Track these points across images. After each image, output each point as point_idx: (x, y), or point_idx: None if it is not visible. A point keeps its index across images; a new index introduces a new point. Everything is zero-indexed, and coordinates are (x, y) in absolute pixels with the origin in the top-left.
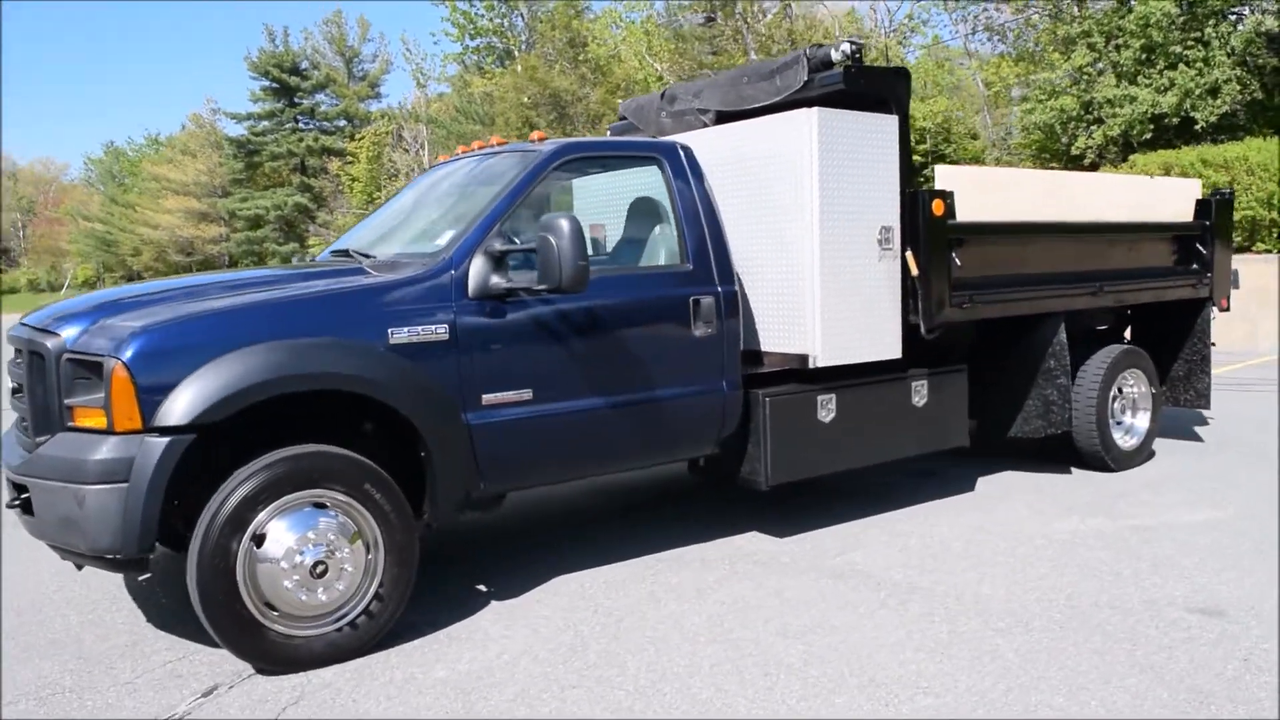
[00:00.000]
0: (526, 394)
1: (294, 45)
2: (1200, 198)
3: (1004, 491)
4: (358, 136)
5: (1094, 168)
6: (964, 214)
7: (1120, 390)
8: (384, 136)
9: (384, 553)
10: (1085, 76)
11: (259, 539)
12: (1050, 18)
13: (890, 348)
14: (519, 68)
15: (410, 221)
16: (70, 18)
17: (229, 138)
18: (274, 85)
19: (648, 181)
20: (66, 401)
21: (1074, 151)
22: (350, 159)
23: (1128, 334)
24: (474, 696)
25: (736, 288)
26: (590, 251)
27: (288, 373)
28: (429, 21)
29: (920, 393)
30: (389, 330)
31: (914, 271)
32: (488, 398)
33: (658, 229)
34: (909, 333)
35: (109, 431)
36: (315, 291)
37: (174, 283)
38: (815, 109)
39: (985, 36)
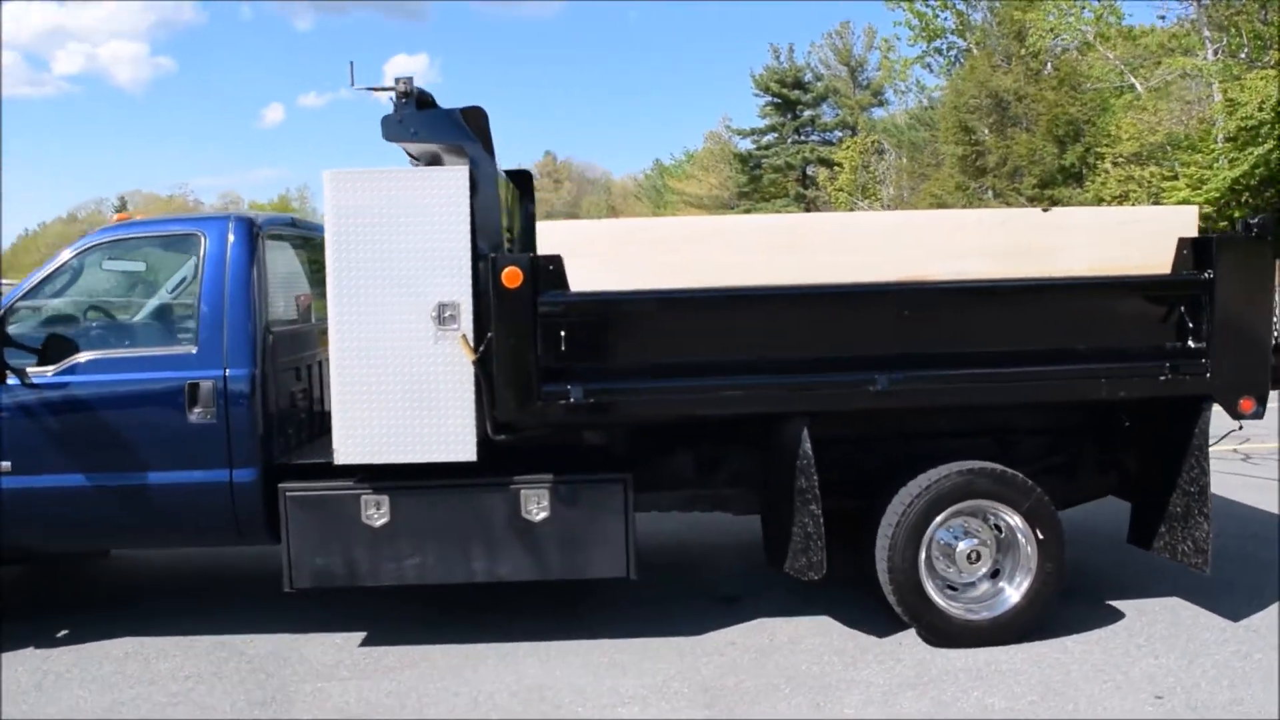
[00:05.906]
0: (5, 465)
1: (798, 60)
2: (1191, 236)
3: (728, 644)
4: (844, 145)
5: None
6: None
7: (982, 532)
8: (870, 144)
9: None
10: None
11: None
12: None
13: (456, 448)
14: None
15: None
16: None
17: (735, 152)
18: (776, 100)
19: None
20: None
21: None
22: (838, 168)
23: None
24: None
25: (254, 371)
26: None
27: None
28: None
29: (539, 504)
30: None
31: (469, 357)
32: None
33: (181, 309)
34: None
35: None
36: None
37: None
38: (330, 170)
39: None
